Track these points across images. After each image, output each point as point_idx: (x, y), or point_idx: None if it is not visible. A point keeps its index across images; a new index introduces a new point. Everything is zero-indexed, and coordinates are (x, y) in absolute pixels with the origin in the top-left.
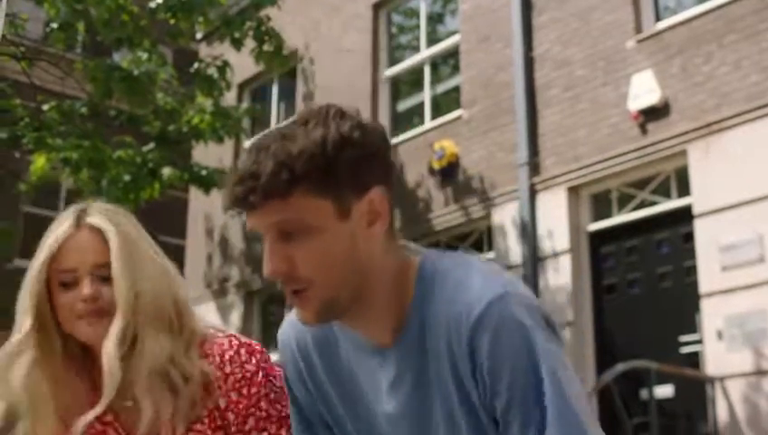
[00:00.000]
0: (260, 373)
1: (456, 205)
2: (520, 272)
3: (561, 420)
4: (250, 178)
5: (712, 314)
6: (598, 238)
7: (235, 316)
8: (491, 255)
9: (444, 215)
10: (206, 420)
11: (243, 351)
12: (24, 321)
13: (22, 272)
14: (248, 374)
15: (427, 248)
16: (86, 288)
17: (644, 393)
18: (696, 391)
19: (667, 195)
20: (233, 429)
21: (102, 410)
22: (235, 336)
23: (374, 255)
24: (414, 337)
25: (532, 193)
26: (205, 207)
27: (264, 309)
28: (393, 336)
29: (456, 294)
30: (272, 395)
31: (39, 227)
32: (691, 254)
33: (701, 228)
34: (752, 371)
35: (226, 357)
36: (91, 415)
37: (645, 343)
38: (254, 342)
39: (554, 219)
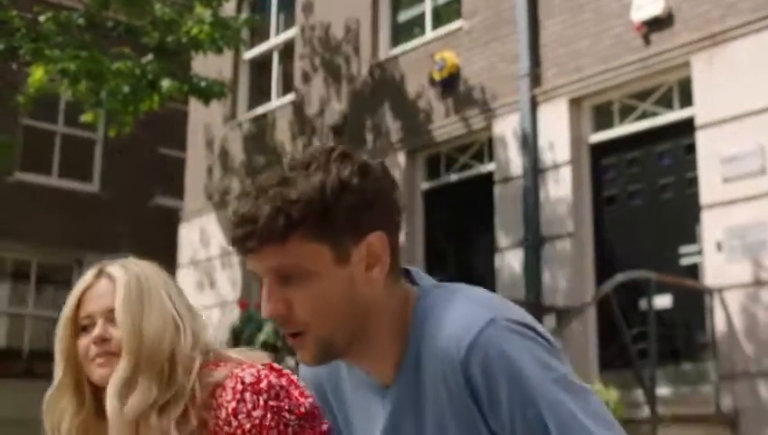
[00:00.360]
0: (268, 416)
1: (456, 116)
2: (520, 183)
3: (566, 430)
4: (248, 223)
5: (712, 226)
6: (599, 150)
7: None
8: (491, 166)
9: (444, 126)
10: None
11: (248, 396)
12: (58, 369)
13: (22, 185)
14: (257, 422)
15: (426, 279)
16: (96, 329)
17: (643, 304)
18: (694, 301)
19: (670, 106)
20: None
21: None
22: (240, 378)
23: (374, 297)
24: (410, 374)
25: (534, 104)
26: (204, 119)
27: None
28: (392, 377)
29: (445, 327)
30: (289, 429)
31: (38, 139)
32: (692, 165)
33: (703, 140)
34: (750, 282)
35: (230, 410)
36: None
37: (644, 254)
38: (259, 373)
39: (555, 131)
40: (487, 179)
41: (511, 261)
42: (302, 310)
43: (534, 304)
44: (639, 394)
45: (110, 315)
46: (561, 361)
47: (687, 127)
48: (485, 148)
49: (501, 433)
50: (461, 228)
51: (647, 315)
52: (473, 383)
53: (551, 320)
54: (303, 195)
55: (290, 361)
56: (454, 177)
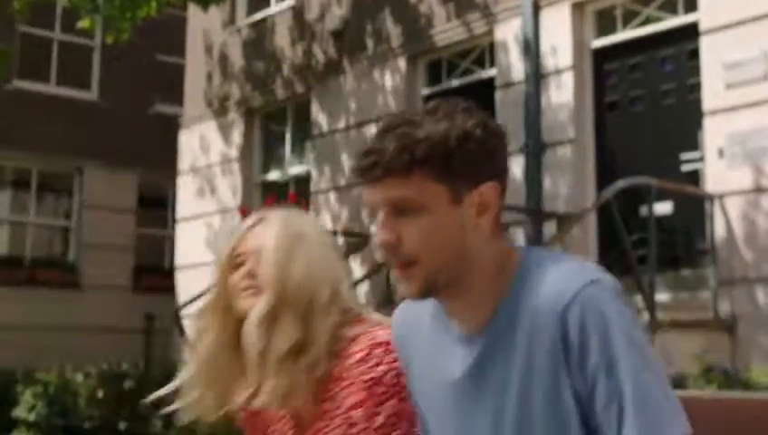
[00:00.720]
0: (390, 374)
1: (457, 21)
2: (522, 89)
3: (640, 400)
4: (375, 154)
5: (714, 132)
6: (601, 55)
7: (236, 135)
8: (493, 71)
9: (446, 31)
10: (329, 421)
11: (376, 351)
12: (212, 293)
13: (20, 93)
14: (377, 375)
15: (525, 245)
16: (246, 266)
17: (643, 210)
18: (694, 207)
19: (674, 11)
20: (358, 427)
21: (251, 389)
22: (374, 336)
23: (479, 245)
24: (505, 323)
25: (536, 9)
26: (203, 24)
27: (265, 126)
28: (482, 325)
29: (550, 281)
30: (403, 393)
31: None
32: (695, 71)
33: (706, 45)
34: (751, 188)
35: (357, 359)
36: (242, 397)
37: (646, 160)
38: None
39: (557, 36)
40: (488, 85)
41: (512, 167)
42: (411, 242)
43: (535, 210)
44: (639, 300)
45: (260, 255)
46: (642, 330)
47: (691, 32)
48: (487, 53)
49: (581, 390)
50: None
51: (647, 222)
52: (568, 336)
53: (551, 226)
54: (430, 137)
55: None
56: (455, 82)
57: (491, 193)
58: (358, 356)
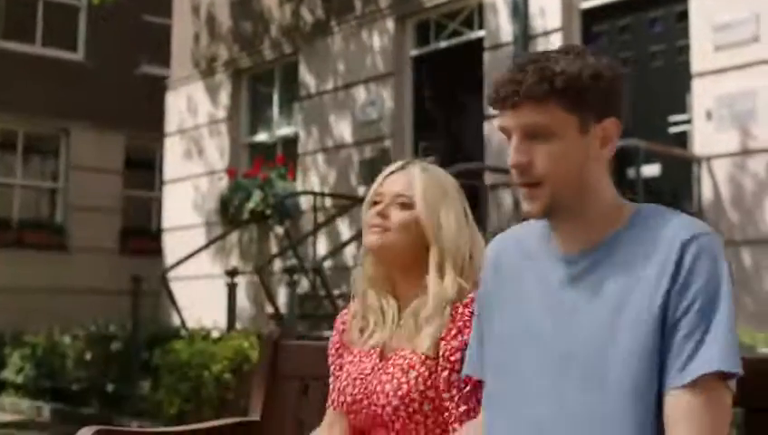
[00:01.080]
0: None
1: None
2: (510, 50)
3: (725, 331)
4: (514, 83)
5: (702, 94)
6: (590, 16)
7: (224, 96)
8: (481, 33)
9: None
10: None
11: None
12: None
13: (5, 53)
14: (465, 320)
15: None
16: (381, 206)
17: (631, 172)
18: (682, 170)
19: None
20: (441, 358)
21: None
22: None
23: (597, 173)
24: (614, 250)
25: None
26: None
27: (253, 88)
28: (589, 248)
29: (675, 221)
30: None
31: (20, 6)
32: (684, 33)
33: (695, 7)
34: (738, 151)
35: (464, 308)
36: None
37: (634, 122)
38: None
39: None
40: (477, 46)
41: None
42: (541, 164)
43: None
44: None
45: (395, 199)
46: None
47: None
48: (475, 14)
49: (670, 309)
50: (450, 96)
51: (635, 184)
52: (682, 262)
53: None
54: (566, 71)
55: (278, 229)
56: (443, 43)
57: (612, 128)
58: (463, 311)
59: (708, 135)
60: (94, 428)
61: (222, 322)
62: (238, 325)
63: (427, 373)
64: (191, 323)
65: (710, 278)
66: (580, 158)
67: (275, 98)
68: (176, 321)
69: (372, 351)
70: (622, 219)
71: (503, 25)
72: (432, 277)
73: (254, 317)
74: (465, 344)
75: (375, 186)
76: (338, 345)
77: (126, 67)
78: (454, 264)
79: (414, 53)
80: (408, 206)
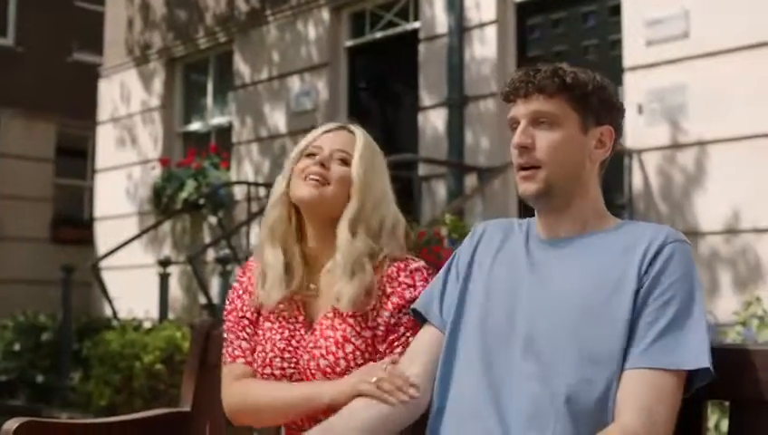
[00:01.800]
0: (419, 286)
1: None
2: (445, 42)
3: (687, 324)
4: (529, 76)
5: (634, 89)
6: (524, 10)
7: (158, 84)
8: (417, 24)
9: None
10: (359, 317)
11: (417, 276)
12: (281, 182)
13: None
14: (409, 283)
15: None
16: (318, 157)
17: None
18: (613, 163)
19: None
20: (384, 321)
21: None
22: (417, 266)
23: (591, 173)
24: (592, 241)
25: None
26: None
27: (187, 76)
28: (571, 236)
29: (659, 227)
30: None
31: None
32: (617, 27)
33: (628, 2)
34: (668, 144)
35: (396, 274)
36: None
37: None
38: (425, 267)
39: None
40: (412, 38)
41: (434, 120)
42: (541, 148)
43: (457, 163)
44: None
45: (335, 154)
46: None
47: None
48: (411, 5)
49: (639, 301)
50: (385, 87)
51: None
52: (656, 260)
53: (472, 179)
54: (577, 75)
55: (211, 218)
56: (378, 35)
57: (608, 135)
58: (401, 276)
59: (639, 128)
60: (22, 419)
61: (154, 312)
62: (171, 316)
63: (363, 346)
64: (123, 314)
65: (682, 278)
66: (578, 152)
67: (210, 87)
68: (107, 311)
69: (293, 318)
70: (604, 225)
71: (438, 17)
72: (343, 232)
73: (186, 307)
74: (401, 307)
75: (310, 138)
76: (245, 300)
77: (57, 53)
78: (368, 226)
79: (349, 43)
80: (346, 162)
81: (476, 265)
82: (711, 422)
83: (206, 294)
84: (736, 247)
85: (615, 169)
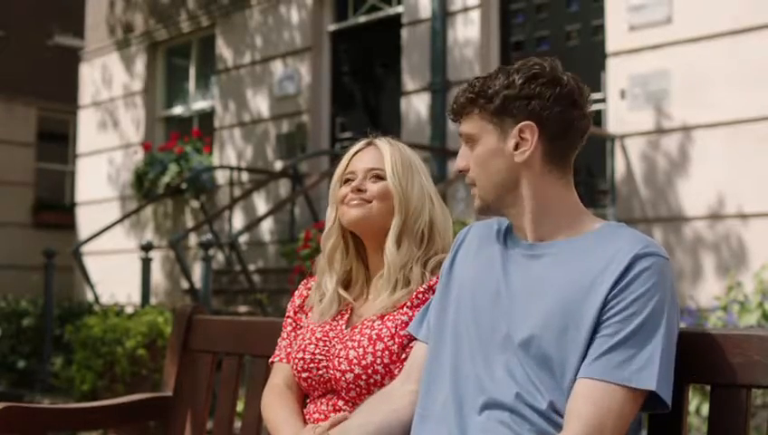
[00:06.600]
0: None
1: None
2: (428, 26)
3: (644, 339)
4: (456, 97)
5: (616, 74)
6: None
7: (140, 68)
8: (400, 8)
9: None
10: (399, 322)
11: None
12: (331, 213)
13: None
14: (420, 299)
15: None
16: (355, 182)
17: None
18: (596, 148)
19: None
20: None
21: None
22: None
23: (531, 175)
24: (564, 247)
25: None
26: None
27: (169, 60)
28: (533, 243)
29: (636, 237)
30: None
31: None
32: (600, 13)
33: None
34: (651, 129)
35: (420, 289)
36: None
37: None
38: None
39: None
40: (395, 22)
41: (417, 105)
42: (471, 168)
43: (439, 148)
44: None
45: (368, 173)
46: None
47: None
48: None
49: (604, 310)
50: (368, 71)
51: None
52: (627, 271)
53: (454, 164)
54: (484, 83)
55: (194, 203)
56: (362, 19)
57: (528, 130)
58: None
59: (622, 114)
60: (3, 404)
61: (136, 297)
62: (153, 300)
63: (395, 347)
64: (105, 299)
65: (648, 295)
66: (498, 161)
67: (192, 71)
68: (89, 296)
69: (339, 316)
70: (581, 229)
71: (421, 1)
72: (390, 246)
73: (169, 292)
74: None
75: (344, 164)
76: (297, 309)
77: (38, 37)
78: (413, 235)
79: (332, 27)
80: (381, 177)
81: (455, 272)
82: (692, 406)
83: (189, 278)
84: (719, 232)
85: (597, 154)
